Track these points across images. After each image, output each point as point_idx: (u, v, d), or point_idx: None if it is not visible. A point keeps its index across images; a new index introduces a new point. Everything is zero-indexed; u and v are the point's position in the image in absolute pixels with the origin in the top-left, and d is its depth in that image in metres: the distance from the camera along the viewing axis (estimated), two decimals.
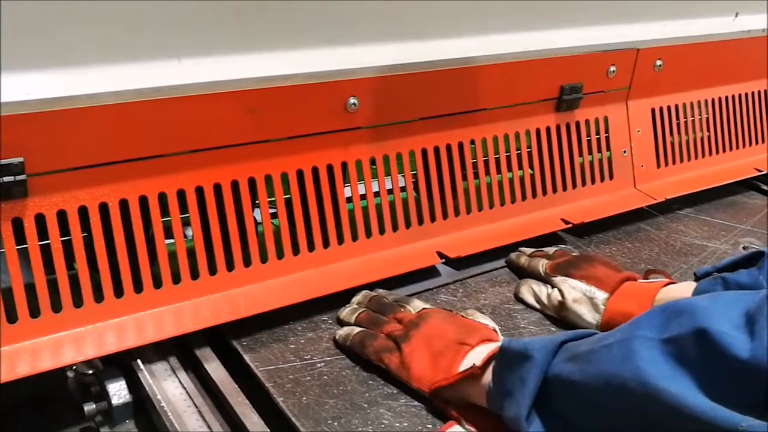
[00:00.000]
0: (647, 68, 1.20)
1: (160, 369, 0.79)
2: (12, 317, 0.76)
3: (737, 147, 1.37)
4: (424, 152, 1.01)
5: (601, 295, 0.90)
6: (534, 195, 1.12)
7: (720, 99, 1.34)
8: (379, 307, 0.88)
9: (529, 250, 1.05)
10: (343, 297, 0.91)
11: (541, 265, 0.99)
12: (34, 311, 0.77)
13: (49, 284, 0.77)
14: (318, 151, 0.92)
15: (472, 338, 0.77)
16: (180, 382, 0.78)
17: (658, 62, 1.20)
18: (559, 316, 0.93)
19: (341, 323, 0.88)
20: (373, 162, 0.98)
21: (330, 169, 0.94)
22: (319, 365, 0.81)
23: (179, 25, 0.79)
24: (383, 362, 0.79)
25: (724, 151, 1.35)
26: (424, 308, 0.86)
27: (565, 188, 1.15)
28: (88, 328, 0.79)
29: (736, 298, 0.60)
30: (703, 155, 1.33)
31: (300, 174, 0.91)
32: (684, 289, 0.87)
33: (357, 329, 0.84)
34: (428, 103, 1.00)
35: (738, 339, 0.56)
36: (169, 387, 0.77)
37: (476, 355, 0.75)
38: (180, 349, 0.82)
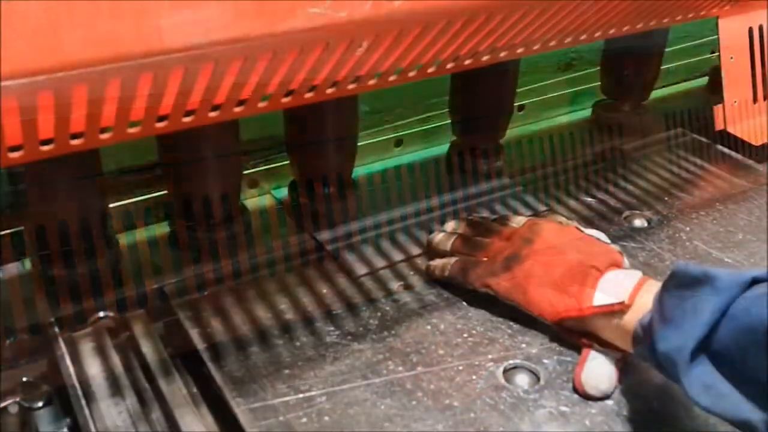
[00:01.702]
0: None
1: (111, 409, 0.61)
2: None
3: None
4: None
5: None
6: None
7: None
8: (478, 231, 0.75)
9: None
10: (354, 312, 0.71)
11: None
12: None
13: None
14: None
15: (600, 261, 0.65)
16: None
17: None
18: None
19: (433, 250, 0.76)
20: None
21: None
22: (319, 400, 0.61)
23: None
24: (490, 288, 0.69)
25: None
26: (531, 220, 0.73)
27: None
28: None
29: None
30: None
31: None
32: None
33: (454, 258, 0.73)
34: None
35: None
36: None
37: (608, 284, 0.63)
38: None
